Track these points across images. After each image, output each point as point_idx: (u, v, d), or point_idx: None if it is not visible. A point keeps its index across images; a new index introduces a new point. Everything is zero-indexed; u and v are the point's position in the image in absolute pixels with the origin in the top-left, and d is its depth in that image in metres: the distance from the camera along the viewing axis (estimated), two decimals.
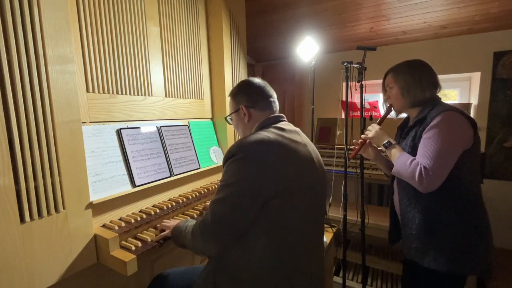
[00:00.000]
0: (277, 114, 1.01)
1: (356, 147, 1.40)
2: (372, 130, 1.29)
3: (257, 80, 1.05)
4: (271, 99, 1.03)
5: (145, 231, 1.11)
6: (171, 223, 1.11)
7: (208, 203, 1.44)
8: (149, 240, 1.05)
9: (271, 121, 0.96)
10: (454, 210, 1.05)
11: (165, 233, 1.07)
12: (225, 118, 1.13)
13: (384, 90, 1.30)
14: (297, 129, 0.98)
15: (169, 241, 1.06)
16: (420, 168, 1.01)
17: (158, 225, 1.16)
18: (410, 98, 1.17)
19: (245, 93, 1.02)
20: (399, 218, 1.24)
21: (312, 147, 0.96)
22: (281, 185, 0.80)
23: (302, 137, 0.95)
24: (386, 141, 1.21)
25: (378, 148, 1.33)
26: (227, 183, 0.81)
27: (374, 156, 1.36)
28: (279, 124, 0.94)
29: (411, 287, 1.31)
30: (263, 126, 0.95)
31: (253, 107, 1.00)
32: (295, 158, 0.86)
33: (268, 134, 0.86)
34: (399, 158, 1.11)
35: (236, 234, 0.82)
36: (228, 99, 1.10)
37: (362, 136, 1.36)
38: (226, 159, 0.85)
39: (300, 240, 0.85)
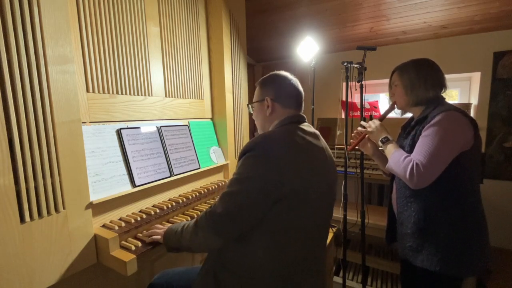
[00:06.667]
0: (299, 113, 0.98)
1: (355, 140, 1.40)
2: (372, 125, 1.29)
3: (289, 75, 1.00)
4: (298, 98, 0.99)
5: (145, 231, 1.11)
6: (162, 230, 1.04)
7: (208, 202, 1.44)
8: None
9: (293, 120, 0.93)
10: (451, 211, 1.05)
11: (157, 237, 1.03)
12: (247, 105, 1.10)
13: (390, 88, 1.31)
14: (317, 132, 0.97)
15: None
16: (412, 164, 1.01)
17: (144, 231, 1.10)
18: (413, 97, 1.17)
19: (274, 86, 0.98)
20: (396, 217, 1.24)
21: (329, 153, 0.96)
22: (295, 187, 0.79)
23: (321, 141, 0.94)
24: (384, 136, 1.22)
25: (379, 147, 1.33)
26: (243, 177, 0.80)
27: (372, 152, 1.37)
28: (302, 125, 0.92)
29: (408, 287, 1.31)
30: (285, 123, 0.93)
31: (279, 102, 0.96)
32: (313, 163, 0.86)
33: (291, 135, 0.85)
34: (394, 154, 1.12)
35: (242, 230, 0.81)
36: (256, 88, 1.06)
37: (362, 130, 1.36)
38: (244, 152, 0.83)
39: (303, 242, 0.85)
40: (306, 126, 0.93)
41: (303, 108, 1.01)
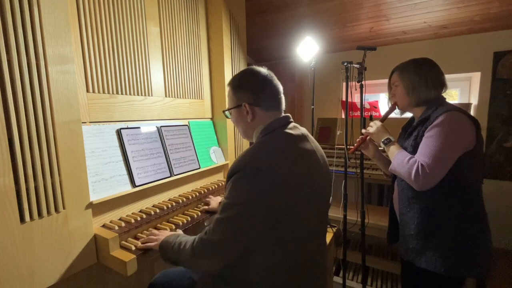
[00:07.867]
0: (284, 115, 0.92)
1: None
2: (374, 126, 1.28)
3: (263, 71, 0.90)
4: (279, 96, 0.90)
5: (145, 231, 1.11)
6: (158, 236, 1.01)
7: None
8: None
9: (279, 125, 0.86)
10: (454, 212, 1.04)
11: (151, 245, 0.99)
12: (223, 111, 1.00)
13: (390, 88, 1.30)
14: (305, 131, 0.91)
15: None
16: (417, 165, 1.01)
17: (139, 234, 1.07)
18: (415, 97, 1.16)
19: (249, 88, 0.88)
20: (398, 218, 1.24)
21: (320, 152, 0.92)
22: (293, 201, 0.76)
23: (310, 142, 0.89)
24: (386, 138, 1.21)
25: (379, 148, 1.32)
26: (236, 202, 0.75)
27: (373, 153, 1.36)
28: (288, 129, 0.86)
29: (410, 287, 1.31)
30: (270, 130, 0.86)
31: (258, 105, 0.88)
32: (307, 170, 0.82)
33: (279, 145, 0.81)
34: (397, 156, 1.11)
35: (242, 252, 0.78)
36: (227, 89, 0.96)
37: (363, 131, 1.35)
38: (233, 173, 0.78)
39: (304, 249, 0.83)
40: (293, 129, 0.87)
41: (284, 105, 0.93)
